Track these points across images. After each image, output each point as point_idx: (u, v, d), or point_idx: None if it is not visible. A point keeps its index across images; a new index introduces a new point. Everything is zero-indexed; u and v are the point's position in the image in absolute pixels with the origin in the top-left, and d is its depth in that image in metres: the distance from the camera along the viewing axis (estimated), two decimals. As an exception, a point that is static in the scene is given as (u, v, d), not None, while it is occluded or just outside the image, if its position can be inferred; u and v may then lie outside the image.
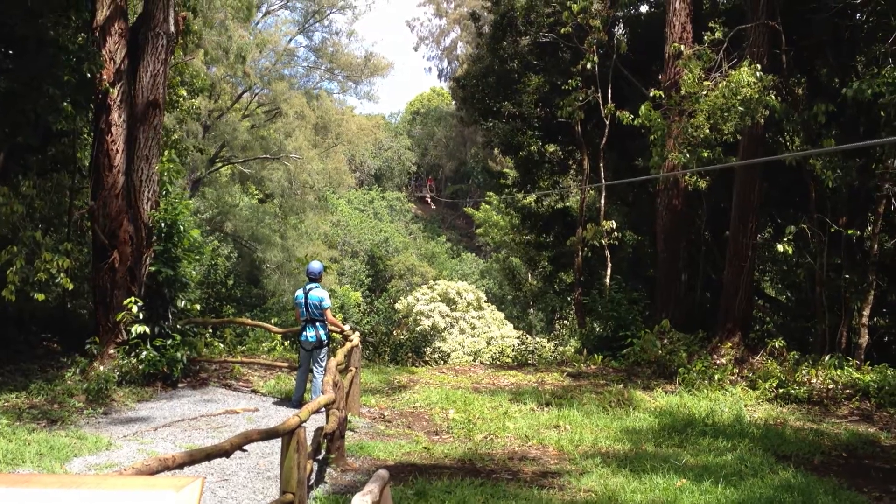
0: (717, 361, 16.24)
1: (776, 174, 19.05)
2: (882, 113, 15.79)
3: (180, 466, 5.14)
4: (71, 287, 13.03)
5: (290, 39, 51.45)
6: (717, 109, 15.84)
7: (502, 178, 31.11)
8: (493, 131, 25.34)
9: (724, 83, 15.75)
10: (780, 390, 14.40)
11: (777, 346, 16.27)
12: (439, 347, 24.66)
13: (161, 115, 14.25)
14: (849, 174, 16.73)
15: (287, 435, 6.57)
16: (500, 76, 25.36)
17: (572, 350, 21.04)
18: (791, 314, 23.29)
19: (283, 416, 10.97)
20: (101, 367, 12.80)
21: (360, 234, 65.76)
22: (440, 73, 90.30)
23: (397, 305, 37.30)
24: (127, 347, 13.21)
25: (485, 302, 37.95)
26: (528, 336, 26.20)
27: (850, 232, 17.15)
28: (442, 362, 20.04)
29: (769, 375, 14.79)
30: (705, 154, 16.80)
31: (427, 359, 19.42)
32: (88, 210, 14.12)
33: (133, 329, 13.15)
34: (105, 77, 13.65)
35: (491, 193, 40.51)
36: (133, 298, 13.23)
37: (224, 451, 5.56)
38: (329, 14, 51.69)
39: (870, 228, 18.74)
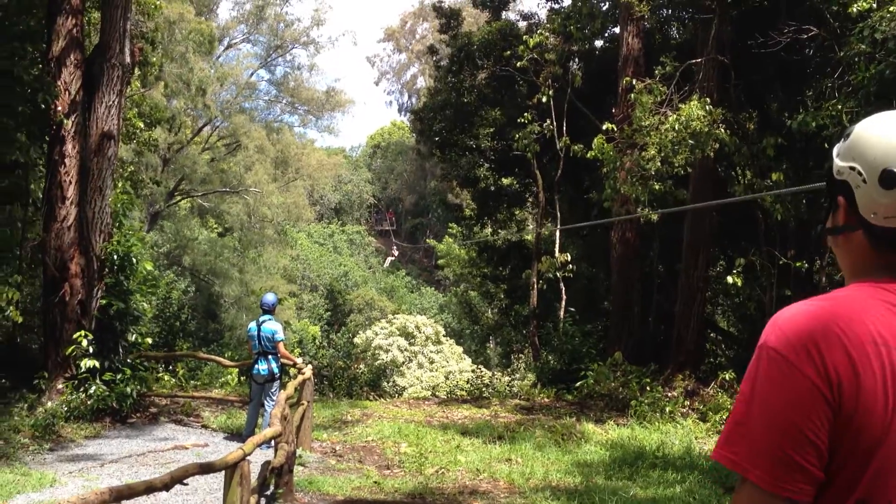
0: (669, 394, 16.37)
1: (727, 207, 19.31)
2: (826, 146, 16.10)
3: (117, 500, 5.11)
4: (21, 321, 12.86)
5: (252, 73, 51.35)
6: (668, 143, 16.05)
7: (460, 210, 31.22)
8: (450, 164, 25.48)
9: (675, 116, 15.98)
10: (731, 422, 14.49)
11: (727, 378, 16.42)
12: (396, 382, 24.58)
13: (116, 147, 14.14)
14: (797, 207, 17.03)
15: (230, 469, 6.52)
16: (458, 109, 25.54)
17: (528, 383, 21.07)
18: (742, 346, 23.55)
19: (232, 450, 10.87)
20: (49, 403, 12.60)
21: (320, 269, 65.48)
22: (400, 106, 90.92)
23: (356, 340, 37.17)
24: (76, 382, 13.00)
25: (443, 336, 37.95)
26: (482, 369, 26.19)
27: (798, 264, 17.41)
28: (396, 395, 19.96)
29: (720, 408, 14.91)
30: (657, 187, 17.00)
31: (381, 392, 19.32)
32: (40, 242, 13.94)
33: (82, 363, 12.93)
34: (60, 108, 13.54)
35: (454, 225, 40.56)
36: (83, 332, 13.03)
37: (164, 485, 5.53)
38: (291, 49, 51.76)
39: (818, 261, 19.05)
